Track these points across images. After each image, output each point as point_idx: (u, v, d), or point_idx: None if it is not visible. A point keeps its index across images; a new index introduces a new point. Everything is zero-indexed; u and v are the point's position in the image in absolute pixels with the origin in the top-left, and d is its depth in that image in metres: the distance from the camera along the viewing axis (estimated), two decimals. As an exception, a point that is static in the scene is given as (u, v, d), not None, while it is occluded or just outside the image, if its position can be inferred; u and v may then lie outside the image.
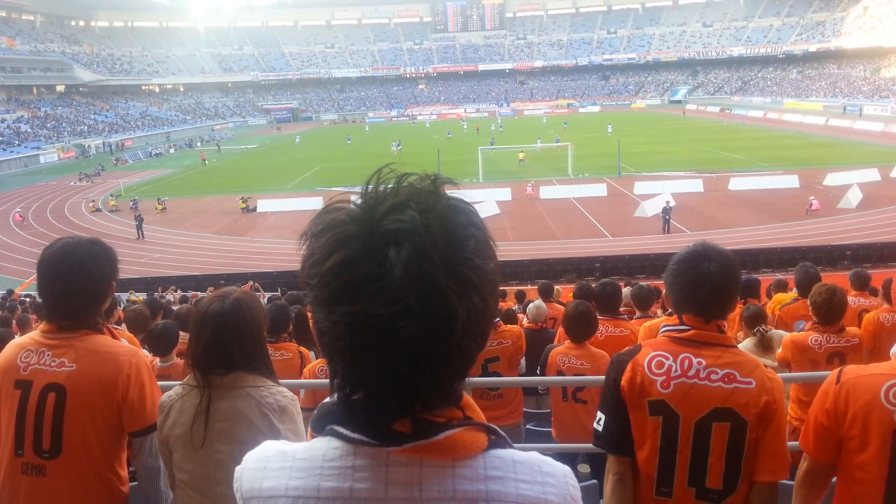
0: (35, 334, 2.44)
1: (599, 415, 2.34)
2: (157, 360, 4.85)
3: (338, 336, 0.94)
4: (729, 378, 2.17)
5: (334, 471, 1.00)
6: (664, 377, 2.20)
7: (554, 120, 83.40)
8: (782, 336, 5.01)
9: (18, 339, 2.50)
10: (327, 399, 1.07)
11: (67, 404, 2.34)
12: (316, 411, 1.09)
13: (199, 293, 15.73)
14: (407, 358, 0.92)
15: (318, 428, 1.05)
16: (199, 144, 78.79)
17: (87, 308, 2.43)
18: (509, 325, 5.27)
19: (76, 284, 2.37)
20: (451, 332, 0.92)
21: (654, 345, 2.30)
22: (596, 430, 2.34)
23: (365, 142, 68.10)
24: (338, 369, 0.99)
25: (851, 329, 4.85)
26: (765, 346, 4.98)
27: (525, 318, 7.19)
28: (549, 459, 1.06)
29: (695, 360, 2.20)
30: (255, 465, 1.09)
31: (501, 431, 1.06)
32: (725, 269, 2.24)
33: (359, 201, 0.98)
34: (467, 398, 1.05)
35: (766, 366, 2.28)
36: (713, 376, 2.18)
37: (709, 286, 2.22)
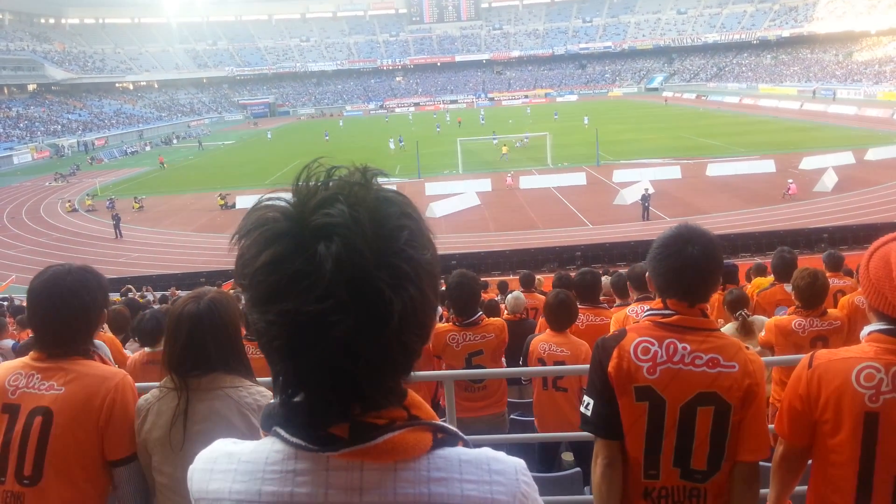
0: (25, 360, 2.40)
1: (587, 399, 2.33)
2: (146, 349, 4.86)
3: (274, 336, 0.92)
4: (713, 362, 2.18)
5: (276, 475, 0.99)
6: (650, 363, 2.21)
7: (538, 110, 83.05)
8: (764, 321, 5.07)
9: (7, 364, 2.46)
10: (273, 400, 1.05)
11: (53, 428, 2.28)
12: (263, 410, 1.08)
13: (178, 290, 15.61)
14: (343, 354, 0.90)
15: (266, 427, 1.04)
16: (175, 141, 78.14)
17: (78, 336, 2.40)
18: (492, 318, 5.27)
19: (68, 314, 2.34)
20: (387, 325, 0.90)
21: (639, 330, 2.30)
22: (584, 415, 2.33)
23: (343, 137, 67.76)
24: (278, 370, 0.97)
25: (833, 312, 4.92)
26: (746, 330, 5.04)
27: (504, 310, 7.21)
28: (501, 455, 1.04)
29: (679, 346, 2.21)
30: (203, 466, 1.09)
31: (451, 428, 1.04)
32: (709, 252, 2.24)
33: (290, 197, 0.96)
34: (413, 395, 1.03)
35: (747, 348, 2.29)
36: (697, 361, 2.19)
37: (693, 271, 2.23)
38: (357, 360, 0.92)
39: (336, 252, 0.88)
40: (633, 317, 4.88)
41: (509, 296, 7.24)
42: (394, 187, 0.99)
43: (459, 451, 1.01)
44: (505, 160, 44.41)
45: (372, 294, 0.89)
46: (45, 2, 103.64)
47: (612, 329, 4.96)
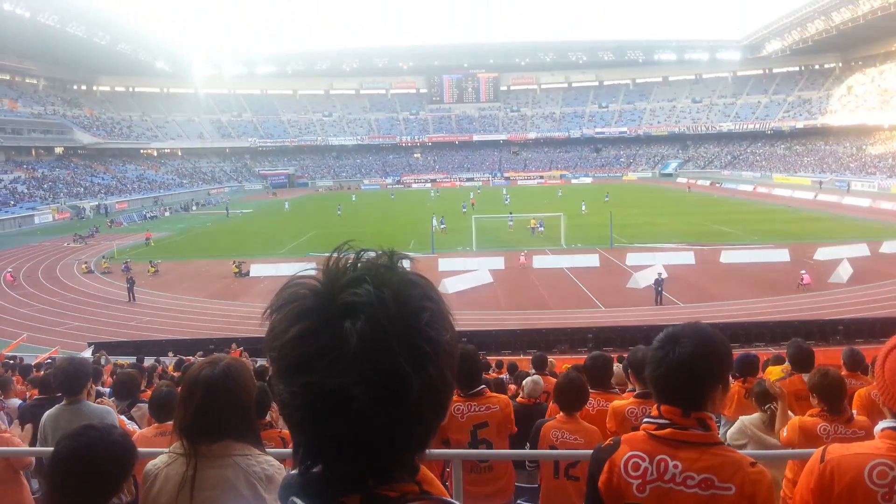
0: None
1: None
2: (156, 423, 4.81)
3: (297, 407, 0.97)
4: (706, 484, 2.02)
5: None
6: (640, 480, 2.08)
7: (568, 191, 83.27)
8: (789, 417, 4.92)
9: None
10: (294, 471, 1.09)
11: None
12: (281, 482, 1.12)
13: (190, 357, 15.57)
14: (362, 427, 0.95)
15: (283, 497, 1.07)
16: (194, 208, 79.23)
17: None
18: (496, 393, 5.19)
19: (92, 489, 2.22)
20: (406, 400, 0.95)
21: (633, 442, 2.17)
22: None
23: (358, 210, 68.58)
24: (299, 441, 1.02)
25: (860, 420, 4.76)
26: (774, 424, 4.91)
27: (520, 392, 7.09)
28: None
29: (671, 463, 2.05)
30: None
31: None
32: (699, 351, 2.05)
33: (320, 276, 1.02)
34: (425, 472, 1.07)
35: (753, 465, 2.10)
36: (689, 482, 2.03)
37: (677, 373, 2.06)
38: (375, 434, 0.96)
39: (361, 329, 0.94)
40: (631, 420, 4.73)
41: (528, 379, 7.12)
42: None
43: None
44: (538, 232, 45.40)
45: (393, 371, 0.94)
46: (80, 69, 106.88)
47: (608, 422, 4.84)
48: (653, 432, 2.12)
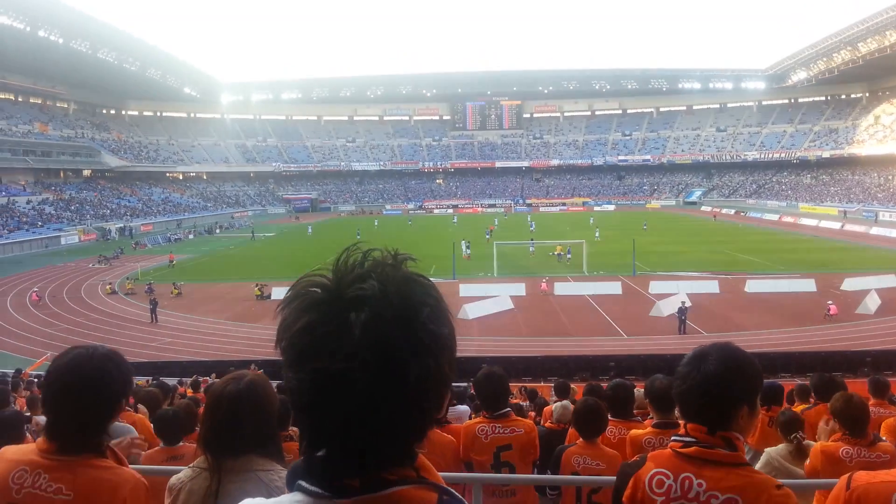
0: (32, 450, 2.29)
1: None
2: (161, 443, 4.75)
3: (304, 392, 1.05)
4: None
5: None
6: (663, 497, 2.08)
7: (600, 218, 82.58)
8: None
9: (12, 453, 2.33)
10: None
11: None
12: (289, 468, 1.18)
13: (207, 378, 15.62)
14: (364, 411, 1.02)
15: (290, 483, 1.15)
16: (218, 231, 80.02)
17: (92, 428, 2.29)
18: (521, 417, 5.14)
19: (85, 403, 2.23)
20: (405, 386, 1.02)
21: (658, 459, 2.17)
22: None
23: (379, 235, 68.85)
24: (304, 427, 1.09)
25: (884, 445, 4.66)
26: (801, 454, 4.80)
27: (550, 418, 7.04)
28: None
29: (695, 482, 2.04)
30: None
31: (457, 495, 1.12)
32: (726, 368, 2.06)
33: (329, 274, 1.10)
34: (423, 460, 1.13)
35: (779, 487, 2.08)
36: (713, 501, 2.01)
37: (703, 390, 2.06)
38: (375, 418, 1.03)
39: (365, 320, 1.02)
40: (648, 450, 4.64)
41: (557, 404, 7.08)
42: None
43: None
44: (564, 258, 45.38)
45: (393, 358, 1.02)
46: (110, 94, 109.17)
47: (628, 452, 4.77)
48: (679, 450, 2.11)
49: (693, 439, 2.09)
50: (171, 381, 15.50)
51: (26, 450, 2.31)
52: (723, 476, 2.03)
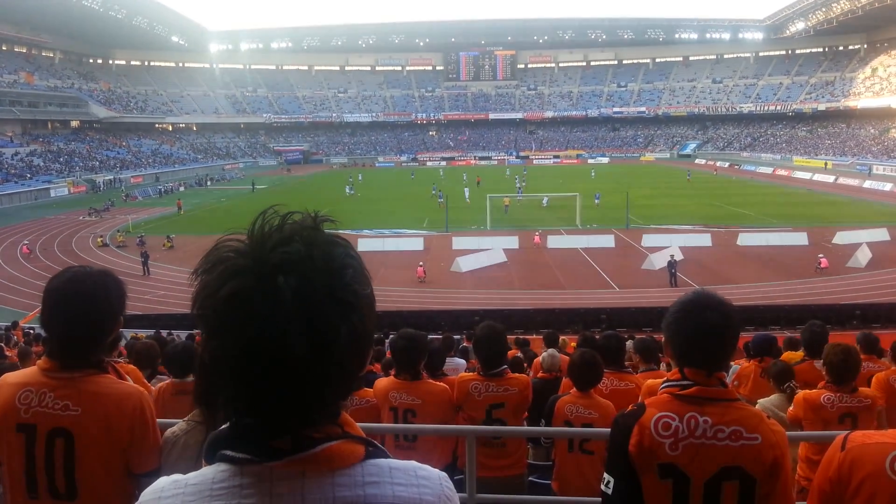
0: (34, 372, 2.31)
1: (607, 477, 2.25)
2: (174, 379, 4.74)
3: (231, 360, 1.04)
4: (736, 435, 2.13)
5: (223, 491, 1.08)
6: (672, 439, 2.14)
7: (602, 170, 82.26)
8: None
9: (15, 377, 2.34)
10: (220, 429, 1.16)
11: (77, 449, 2.25)
12: (206, 442, 1.17)
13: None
14: (296, 377, 1.02)
15: (209, 457, 1.13)
16: (209, 183, 79.24)
17: (92, 343, 2.31)
18: (517, 374, 5.16)
19: (84, 317, 2.25)
20: (335, 350, 1.04)
21: (658, 404, 2.23)
22: (605, 494, 2.25)
23: (366, 187, 68.42)
24: (230, 396, 1.09)
25: (864, 389, 4.75)
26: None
27: (539, 368, 7.09)
28: (426, 466, 1.17)
29: (700, 419, 2.15)
30: (150, 498, 1.15)
31: (379, 444, 1.16)
32: (727, 319, 2.21)
33: (244, 240, 1.10)
34: (345, 415, 1.15)
35: (768, 418, 2.23)
36: (720, 434, 2.13)
37: (713, 338, 2.19)
38: (307, 381, 1.04)
39: (294, 284, 1.02)
40: None
41: (545, 353, 7.12)
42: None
43: (389, 460, 1.14)
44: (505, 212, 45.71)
45: (324, 322, 1.03)
46: (95, 43, 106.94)
47: (643, 396, 4.81)
48: (678, 393, 2.21)
49: (691, 382, 2.20)
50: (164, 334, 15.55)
51: (28, 372, 2.34)
52: (723, 411, 2.17)
